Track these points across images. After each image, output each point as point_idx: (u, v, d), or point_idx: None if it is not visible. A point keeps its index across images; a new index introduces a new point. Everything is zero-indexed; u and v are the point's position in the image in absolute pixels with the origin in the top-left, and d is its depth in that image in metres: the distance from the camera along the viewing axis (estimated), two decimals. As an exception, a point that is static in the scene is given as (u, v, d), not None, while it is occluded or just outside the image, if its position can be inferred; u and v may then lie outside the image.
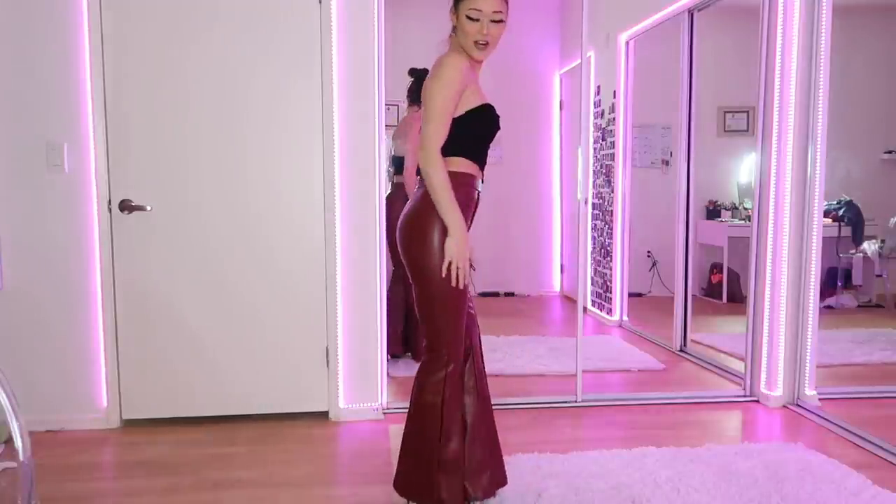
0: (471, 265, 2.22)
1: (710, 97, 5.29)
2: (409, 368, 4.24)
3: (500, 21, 2.20)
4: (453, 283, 2.16)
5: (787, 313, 3.57)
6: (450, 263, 2.15)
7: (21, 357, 3.21)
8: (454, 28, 2.24)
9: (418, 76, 4.15)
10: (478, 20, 2.16)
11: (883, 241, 5.07)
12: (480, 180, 2.31)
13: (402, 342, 4.44)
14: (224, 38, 3.21)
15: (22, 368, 3.18)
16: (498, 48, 2.26)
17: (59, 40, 3.12)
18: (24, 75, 3.12)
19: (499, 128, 2.31)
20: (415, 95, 4.15)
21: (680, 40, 4.67)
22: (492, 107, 2.27)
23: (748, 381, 3.75)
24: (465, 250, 2.16)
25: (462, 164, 2.24)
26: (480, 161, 2.30)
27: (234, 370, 3.33)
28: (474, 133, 2.25)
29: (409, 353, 4.46)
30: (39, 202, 3.18)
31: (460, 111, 2.21)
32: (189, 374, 3.31)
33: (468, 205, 2.26)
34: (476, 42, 2.20)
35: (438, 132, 2.16)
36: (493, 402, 2.42)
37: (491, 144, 2.32)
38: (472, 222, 2.32)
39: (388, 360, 3.82)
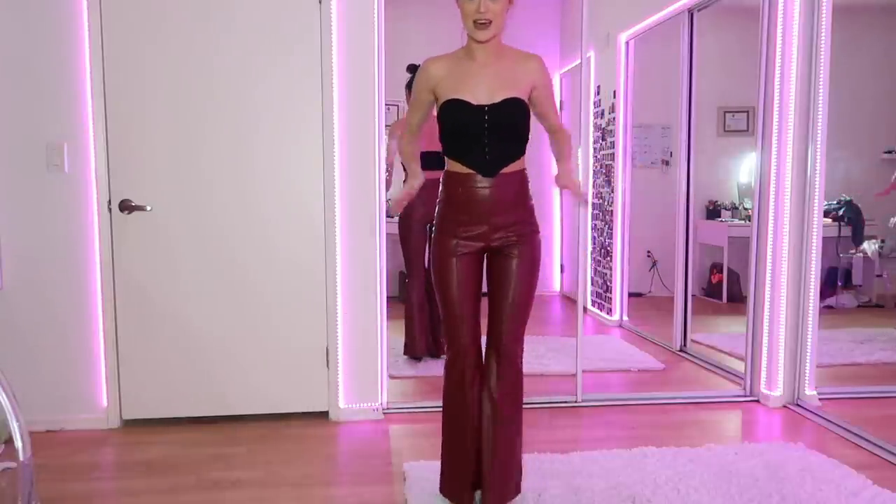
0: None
1: (710, 97, 5.30)
2: (409, 368, 4.24)
3: None
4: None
5: (787, 313, 3.57)
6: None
7: (21, 357, 3.20)
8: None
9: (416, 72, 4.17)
10: None
11: (883, 241, 5.07)
12: (475, 177, 2.13)
13: (426, 344, 4.41)
14: (223, 38, 3.21)
15: (22, 368, 3.18)
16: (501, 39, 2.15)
17: (59, 40, 3.12)
18: (24, 75, 3.12)
19: (466, 123, 2.09)
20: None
21: (680, 40, 4.67)
22: (456, 101, 2.08)
23: (748, 381, 3.75)
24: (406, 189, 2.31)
25: (448, 164, 2.22)
26: (463, 158, 2.14)
27: (233, 370, 3.33)
28: (442, 130, 2.17)
29: (431, 355, 4.42)
30: (39, 202, 3.18)
31: (438, 107, 2.18)
32: (189, 373, 3.31)
33: (450, 202, 2.22)
34: (475, 21, 2.01)
35: (407, 123, 2.36)
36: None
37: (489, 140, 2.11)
38: (484, 221, 2.18)
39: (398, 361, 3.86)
